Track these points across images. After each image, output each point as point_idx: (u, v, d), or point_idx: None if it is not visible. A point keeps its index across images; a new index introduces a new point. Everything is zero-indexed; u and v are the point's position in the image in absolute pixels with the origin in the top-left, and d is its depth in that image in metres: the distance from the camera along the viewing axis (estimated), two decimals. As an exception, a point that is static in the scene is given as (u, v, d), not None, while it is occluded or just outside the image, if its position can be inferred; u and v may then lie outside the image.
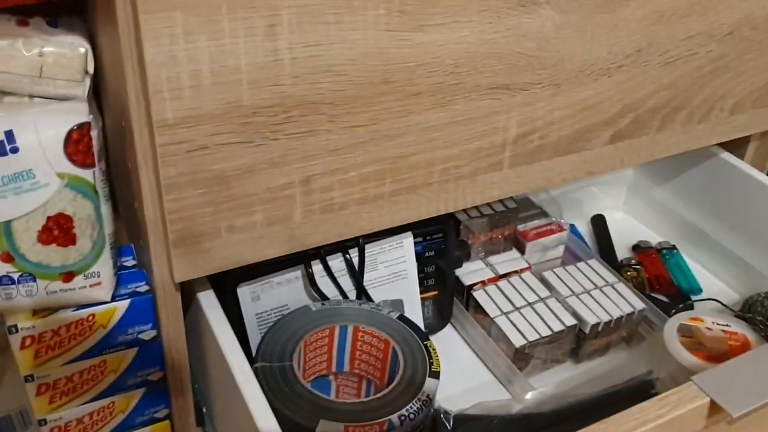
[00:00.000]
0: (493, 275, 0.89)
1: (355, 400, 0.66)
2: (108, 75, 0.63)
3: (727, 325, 0.84)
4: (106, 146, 0.71)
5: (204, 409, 0.78)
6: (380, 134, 0.64)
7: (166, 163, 0.56)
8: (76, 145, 0.58)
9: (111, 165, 0.73)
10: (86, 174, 0.59)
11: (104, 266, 0.63)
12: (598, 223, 1.08)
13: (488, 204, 0.91)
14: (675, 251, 1.04)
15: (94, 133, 0.60)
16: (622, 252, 1.05)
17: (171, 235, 0.60)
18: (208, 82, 0.54)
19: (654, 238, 1.07)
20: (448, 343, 0.89)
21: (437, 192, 0.71)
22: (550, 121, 0.74)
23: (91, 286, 0.63)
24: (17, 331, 0.62)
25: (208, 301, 0.69)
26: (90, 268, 0.63)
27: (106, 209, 0.63)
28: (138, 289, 0.66)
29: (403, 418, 0.64)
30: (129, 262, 0.69)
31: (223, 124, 0.56)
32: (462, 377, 0.85)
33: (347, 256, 0.77)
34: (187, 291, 0.71)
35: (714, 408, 0.58)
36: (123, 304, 0.65)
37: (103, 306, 0.65)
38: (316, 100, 0.59)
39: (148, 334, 0.68)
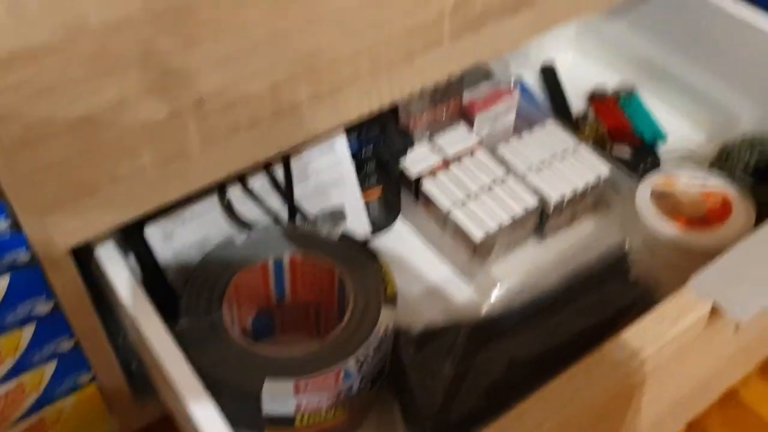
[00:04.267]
0: (441, 159, 0.78)
1: (304, 348, 0.56)
2: None
3: (703, 182, 0.76)
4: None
5: (133, 366, 0.68)
6: (283, 31, 0.50)
7: (6, 116, 0.42)
8: None
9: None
10: None
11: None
12: (549, 76, 0.96)
13: (427, 76, 0.78)
14: (634, 95, 0.94)
15: None
16: (577, 103, 0.94)
17: (40, 199, 0.47)
18: (34, 6, 0.39)
19: (611, 81, 0.96)
20: (400, 239, 0.79)
21: (367, 86, 0.58)
22: (492, -23, 0.60)
23: (-48, 268, 0.51)
24: None
25: (108, 254, 0.57)
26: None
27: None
28: (18, 259, 0.54)
29: (359, 362, 0.56)
30: (1, 223, 0.56)
31: (70, 55, 0.42)
32: (420, 275, 0.76)
33: (270, 172, 0.65)
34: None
35: (715, 313, 0.51)
36: (2, 281, 0.53)
37: (-24, 287, 0.53)
38: (189, 4, 0.44)
39: (45, 307, 0.57)
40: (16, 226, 0.56)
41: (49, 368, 0.61)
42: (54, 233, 0.50)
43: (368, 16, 0.54)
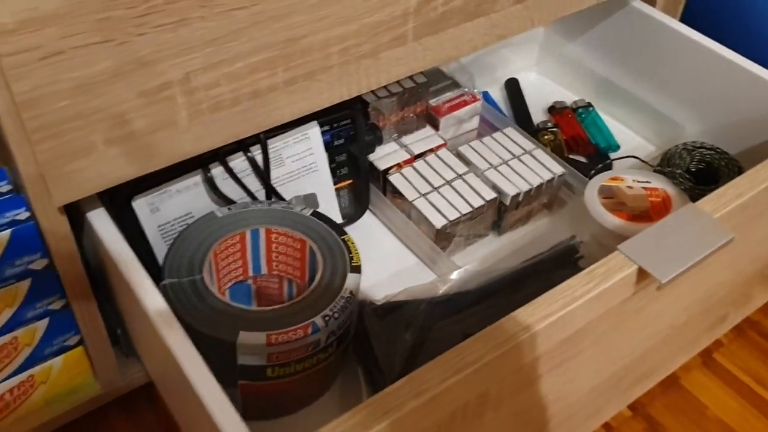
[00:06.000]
0: (408, 156, 0.85)
1: (275, 306, 0.62)
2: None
3: (647, 182, 0.83)
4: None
5: (119, 331, 0.73)
6: (264, 16, 0.57)
7: (17, 75, 0.49)
8: None
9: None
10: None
11: (-29, 196, 0.57)
12: (512, 87, 1.04)
13: (397, 81, 0.85)
14: (591, 109, 1.02)
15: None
16: (537, 115, 1.02)
17: (39, 157, 0.53)
18: (45, -24, 0.46)
19: (569, 97, 1.04)
20: (369, 230, 0.86)
21: (338, 76, 0.65)
22: (452, -15, 0.68)
23: (-41, 220, 0.57)
24: None
25: (99, 219, 0.63)
26: (-46, 201, 0.56)
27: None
28: (18, 217, 0.60)
29: (327, 318, 0.62)
30: (4, 187, 0.62)
31: (74, 24, 0.49)
32: (387, 263, 0.83)
33: (249, 154, 0.71)
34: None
35: (642, 275, 0.57)
36: (3, 235, 0.59)
37: (-20, 240, 0.58)
38: (181, -14, 0.51)
39: (40, 264, 0.62)
40: (16, 190, 0.62)
41: (42, 325, 0.66)
42: (50, 191, 0.56)
43: (339, 9, 0.61)
